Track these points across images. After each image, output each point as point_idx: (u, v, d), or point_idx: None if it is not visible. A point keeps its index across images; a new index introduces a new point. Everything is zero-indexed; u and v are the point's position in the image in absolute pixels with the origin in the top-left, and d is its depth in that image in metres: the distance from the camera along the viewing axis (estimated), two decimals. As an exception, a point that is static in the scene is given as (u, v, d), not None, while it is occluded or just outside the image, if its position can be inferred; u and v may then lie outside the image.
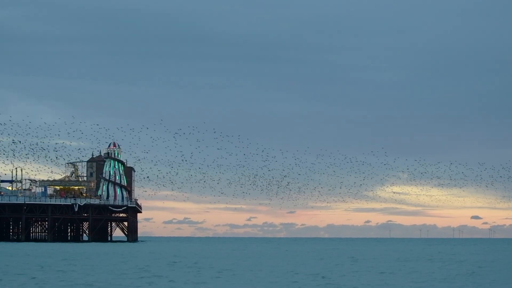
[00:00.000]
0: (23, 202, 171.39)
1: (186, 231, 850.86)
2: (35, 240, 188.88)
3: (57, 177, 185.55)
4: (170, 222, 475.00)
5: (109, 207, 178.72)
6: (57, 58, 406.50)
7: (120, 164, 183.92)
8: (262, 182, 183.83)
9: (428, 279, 54.86)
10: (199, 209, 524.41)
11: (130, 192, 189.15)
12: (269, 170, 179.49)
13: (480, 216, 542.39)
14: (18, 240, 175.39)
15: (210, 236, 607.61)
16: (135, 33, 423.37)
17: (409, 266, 74.53)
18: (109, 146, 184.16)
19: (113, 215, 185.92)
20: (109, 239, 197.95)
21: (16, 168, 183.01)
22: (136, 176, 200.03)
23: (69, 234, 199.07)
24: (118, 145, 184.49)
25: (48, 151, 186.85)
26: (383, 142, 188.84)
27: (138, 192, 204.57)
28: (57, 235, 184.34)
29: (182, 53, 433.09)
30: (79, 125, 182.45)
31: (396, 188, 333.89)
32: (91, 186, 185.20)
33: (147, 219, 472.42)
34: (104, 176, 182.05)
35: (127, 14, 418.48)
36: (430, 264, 78.58)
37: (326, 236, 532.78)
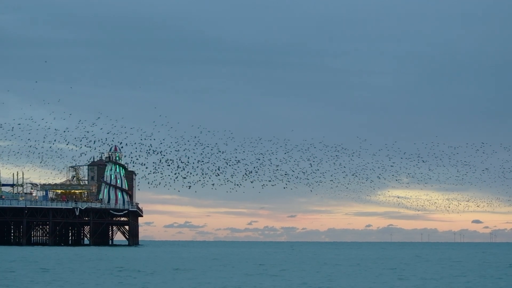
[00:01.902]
0: (24, 206, 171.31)
1: (187, 235, 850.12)
2: (36, 244, 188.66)
3: (58, 181, 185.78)
4: (171, 226, 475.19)
5: (110, 211, 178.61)
6: (58, 62, 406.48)
7: (121, 168, 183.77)
8: (262, 186, 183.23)
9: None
10: (200, 213, 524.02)
11: (131, 196, 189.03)
12: (270, 174, 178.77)
13: (481, 220, 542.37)
14: (19, 244, 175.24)
15: (211, 240, 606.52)
16: (137, 38, 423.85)
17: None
18: (110, 150, 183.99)
19: (114, 219, 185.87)
20: (110, 243, 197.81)
21: (17, 172, 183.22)
22: (137, 180, 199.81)
23: (70, 238, 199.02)
24: (119, 149, 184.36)
25: (49, 155, 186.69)
26: (383, 146, 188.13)
27: (139, 196, 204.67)
28: (58, 239, 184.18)
29: (184, 57, 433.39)
30: (80, 129, 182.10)
31: (397, 192, 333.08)
32: (92, 190, 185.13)
33: (148, 223, 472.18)
34: (105, 180, 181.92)
35: (129, 19, 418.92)
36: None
37: (327, 240, 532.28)
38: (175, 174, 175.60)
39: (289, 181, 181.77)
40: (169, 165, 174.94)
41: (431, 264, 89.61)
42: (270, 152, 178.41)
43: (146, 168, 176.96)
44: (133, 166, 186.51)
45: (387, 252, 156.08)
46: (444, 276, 64.14)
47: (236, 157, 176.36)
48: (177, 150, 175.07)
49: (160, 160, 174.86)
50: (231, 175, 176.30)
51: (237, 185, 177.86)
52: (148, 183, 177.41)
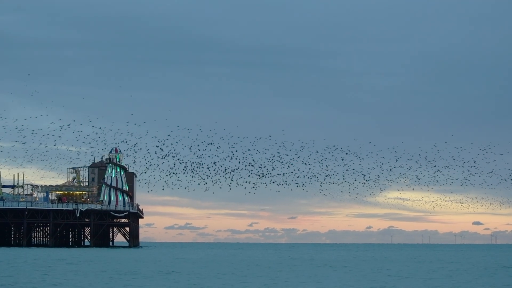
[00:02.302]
0: (25, 207, 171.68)
1: (188, 237, 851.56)
2: (37, 245, 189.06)
3: (59, 182, 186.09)
4: (171, 227, 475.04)
5: (111, 213, 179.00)
6: (58, 63, 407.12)
7: (121, 170, 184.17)
8: (263, 187, 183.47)
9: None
10: (201, 215, 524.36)
11: (131, 198, 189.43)
12: (271, 176, 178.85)
13: (481, 222, 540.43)
14: (20, 245, 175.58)
15: (212, 241, 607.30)
16: (137, 39, 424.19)
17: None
18: (110, 151, 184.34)
19: (114, 220, 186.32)
20: (110, 244, 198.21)
21: (18, 173, 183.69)
22: (137, 182, 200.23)
23: (70, 240, 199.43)
24: (120, 151, 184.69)
25: (50, 157, 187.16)
26: (384, 148, 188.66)
27: (139, 198, 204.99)
28: (59, 241, 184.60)
29: (184, 59, 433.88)
30: (81, 130, 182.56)
31: (397, 194, 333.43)
32: (92, 191, 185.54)
33: (148, 225, 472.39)
34: (105, 181, 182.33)
35: (130, 20, 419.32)
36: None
37: (328, 242, 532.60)
38: (191, 176, 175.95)
39: (304, 184, 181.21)
40: (184, 169, 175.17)
41: (424, 265, 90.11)
42: (279, 154, 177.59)
43: (162, 171, 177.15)
44: (148, 168, 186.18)
45: (383, 254, 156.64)
46: (434, 277, 64.70)
47: (251, 158, 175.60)
48: (191, 152, 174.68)
49: (175, 164, 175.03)
50: (241, 177, 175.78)
51: (254, 187, 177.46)
52: (166, 182, 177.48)
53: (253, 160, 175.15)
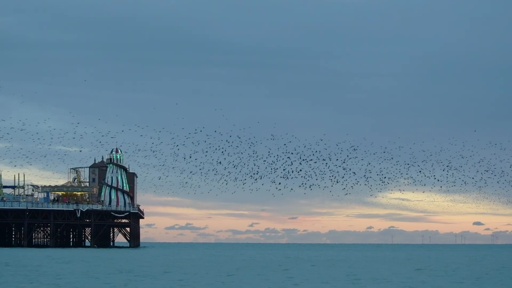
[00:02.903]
0: (26, 208, 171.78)
1: (189, 237, 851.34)
2: (38, 246, 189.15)
3: (60, 182, 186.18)
4: (172, 228, 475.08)
5: (111, 213, 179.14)
6: (59, 64, 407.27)
7: (122, 170, 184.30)
8: (264, 187, 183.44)
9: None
10: (202, 215, 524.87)
11: (132, 198, 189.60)
12: (271, 176, 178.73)
13: (482, 222, 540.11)
14: (21, 246, 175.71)
15: (212, 242, 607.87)
16: (137, 39, 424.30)
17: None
18: (111, 151, 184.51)
19: (115, 220, 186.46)
20: (111, 244, 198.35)
21: (18, 174, 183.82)
22: (138, 182, 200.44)
23: (71, 240, 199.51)
24: (121, 151, 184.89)
25: (50, 157, 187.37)
26: (385, 148, 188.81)
27: (140, 198, 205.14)
28: (60, 241, 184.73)
29: (185, 59, 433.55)
30: (81, 131, 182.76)
31: (398, 194, 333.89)
32: (93, 191, 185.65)
33: (149, 225, 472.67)
34: (106, 181, 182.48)
35: (129, 20, 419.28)
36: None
37: (328, 242, 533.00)
38: (205, 178, 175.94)
39: (326, 186, 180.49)
40: (209, 175, 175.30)
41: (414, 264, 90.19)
42: (293, 154, 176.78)
43: (181, 173, 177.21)
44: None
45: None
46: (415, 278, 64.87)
47: (270, 158, 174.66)
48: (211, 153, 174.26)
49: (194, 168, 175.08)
50: (264, 177, 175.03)
51: (279, 189, 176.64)
52: (186, 184, 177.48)
53: (273, 161, 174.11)
